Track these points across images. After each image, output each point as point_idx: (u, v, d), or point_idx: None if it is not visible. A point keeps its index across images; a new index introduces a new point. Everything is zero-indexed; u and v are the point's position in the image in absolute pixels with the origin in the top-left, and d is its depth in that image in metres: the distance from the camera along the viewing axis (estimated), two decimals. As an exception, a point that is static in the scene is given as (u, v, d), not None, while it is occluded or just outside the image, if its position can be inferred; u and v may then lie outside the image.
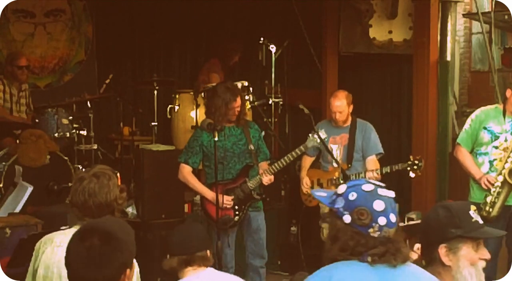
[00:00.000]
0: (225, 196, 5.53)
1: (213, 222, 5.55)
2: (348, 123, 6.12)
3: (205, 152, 5.58)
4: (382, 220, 2.30)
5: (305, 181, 6.22)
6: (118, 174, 3.20)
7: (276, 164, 5.63)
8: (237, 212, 5.60)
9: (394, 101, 8.08)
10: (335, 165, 5.94)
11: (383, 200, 2.32)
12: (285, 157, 5.64)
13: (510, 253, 5.53)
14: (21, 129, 6.68)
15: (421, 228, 2.74)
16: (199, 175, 5.91)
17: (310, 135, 5.70)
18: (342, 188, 2.38)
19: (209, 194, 5.55)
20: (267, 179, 5.61)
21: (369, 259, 2.30)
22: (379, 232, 2.30)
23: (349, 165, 6.03)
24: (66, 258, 2.19)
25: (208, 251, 3.81)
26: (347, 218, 2.32)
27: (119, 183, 3.16)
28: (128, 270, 2.19)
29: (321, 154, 6.23)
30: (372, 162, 6.07)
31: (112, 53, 8.48)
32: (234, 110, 5.56)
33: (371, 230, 2.31)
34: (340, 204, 2.35)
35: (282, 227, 6.99)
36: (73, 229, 3.09)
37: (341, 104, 6.01)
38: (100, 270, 2.13)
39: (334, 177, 5.99)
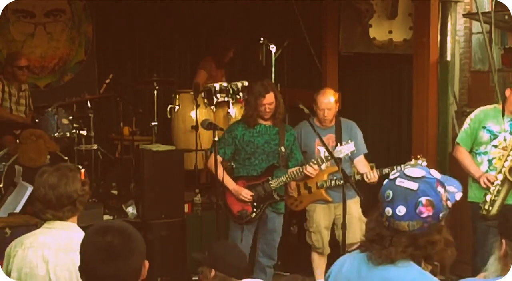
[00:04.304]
0: (246, 190, 5.61)
1: (230, 215, 5.65)
2: (333, 123, 6.03)
3: (237, 145, 5.66)
4: (388, 210, 2.26)
5: (291, 184, 6.00)
6: (83, 170, 3.24)
7: (319, 159, 5.65)
8: (254, 209, 5.64)
9: (394, 101, 8.07)
10: (323, 167, 5.80)
11: (393, 189, 2.26)
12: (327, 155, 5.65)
13: (510, 253, 5.52)
14: (21, 129, 6.67)
15: None
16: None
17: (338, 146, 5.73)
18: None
19: (232, 185, 5.62)
20: (312, 169, 5.63)
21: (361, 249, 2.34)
22: (387, 222, 2.27)
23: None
24: (86, 257, 2.22)
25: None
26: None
27: (83, 178, 3.21)
28: (146, 261, 2.27)
29: (306, 157, 6.04)
30: (363, 163, 6.01)
31: (112, 53, 8.47)
32: (265, 107, 5.60)
33: (383, 218, 2.29)
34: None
35: (282, 227, 6.97)
36: (42, 229, 3.14)
37: (329, 101, 5.96)
38: (126, 261, 2.18)
39: (322, 180, 5.94)
